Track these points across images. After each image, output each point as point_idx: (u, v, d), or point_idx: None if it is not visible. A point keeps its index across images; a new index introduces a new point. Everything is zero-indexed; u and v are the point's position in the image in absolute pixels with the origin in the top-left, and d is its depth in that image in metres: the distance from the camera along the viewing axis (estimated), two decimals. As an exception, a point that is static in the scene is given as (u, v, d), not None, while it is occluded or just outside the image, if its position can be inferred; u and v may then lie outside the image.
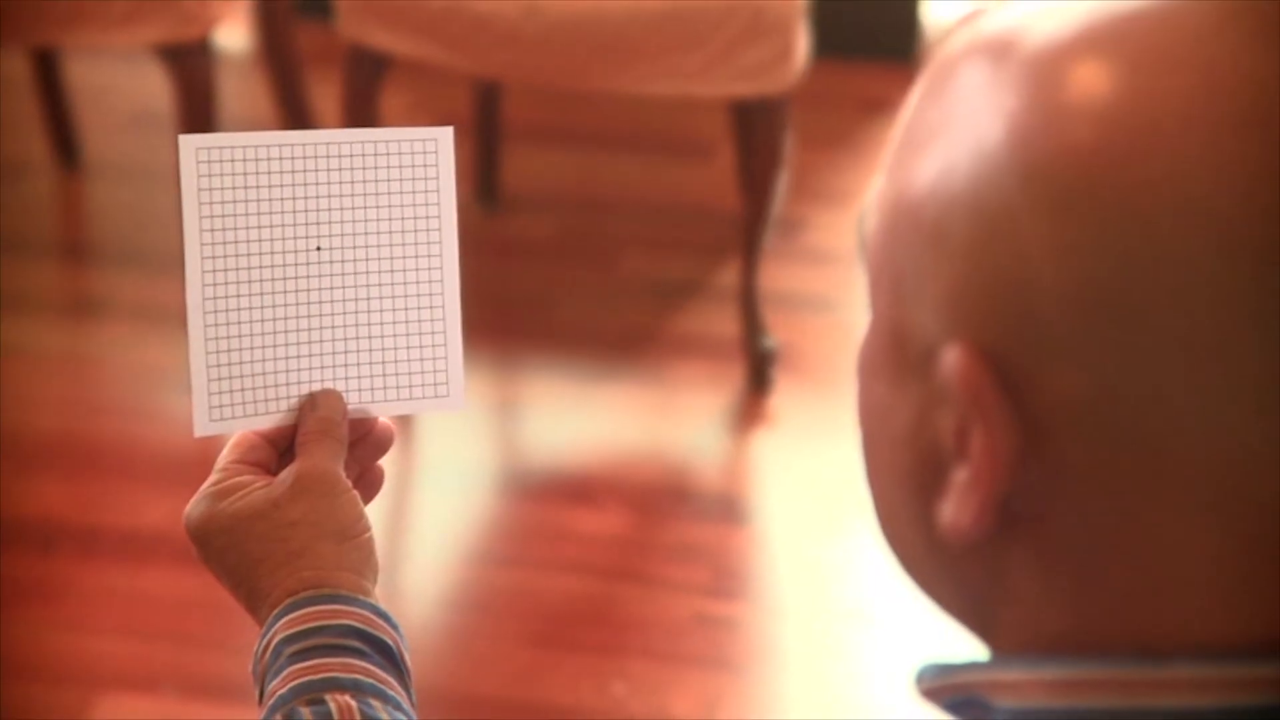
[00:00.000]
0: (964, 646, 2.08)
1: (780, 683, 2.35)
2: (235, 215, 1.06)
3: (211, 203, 1.05)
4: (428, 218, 1.09)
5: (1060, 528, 0.67)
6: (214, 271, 1.06)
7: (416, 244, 1.09)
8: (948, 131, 0.69)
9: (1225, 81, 0.65)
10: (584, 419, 2.82)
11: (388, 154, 1.08)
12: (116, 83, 3.74)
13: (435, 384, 1.10)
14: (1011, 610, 0.70)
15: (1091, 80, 0.66)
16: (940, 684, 0.73)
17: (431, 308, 1.09)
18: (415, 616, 2.47)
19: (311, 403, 1.08)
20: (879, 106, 3.67)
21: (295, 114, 3.29)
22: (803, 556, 2.58)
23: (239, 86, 3.69)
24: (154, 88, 3.66)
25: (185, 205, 1.05)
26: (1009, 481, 0.67)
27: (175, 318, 3.05)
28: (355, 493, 1.06)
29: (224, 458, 1.07)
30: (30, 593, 2.50)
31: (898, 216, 0.71)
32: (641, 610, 2.47)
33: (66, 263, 3.23)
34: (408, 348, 1.09)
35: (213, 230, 1.06)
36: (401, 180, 1.08)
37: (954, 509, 0.68)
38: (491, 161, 3.35)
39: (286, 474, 1.05)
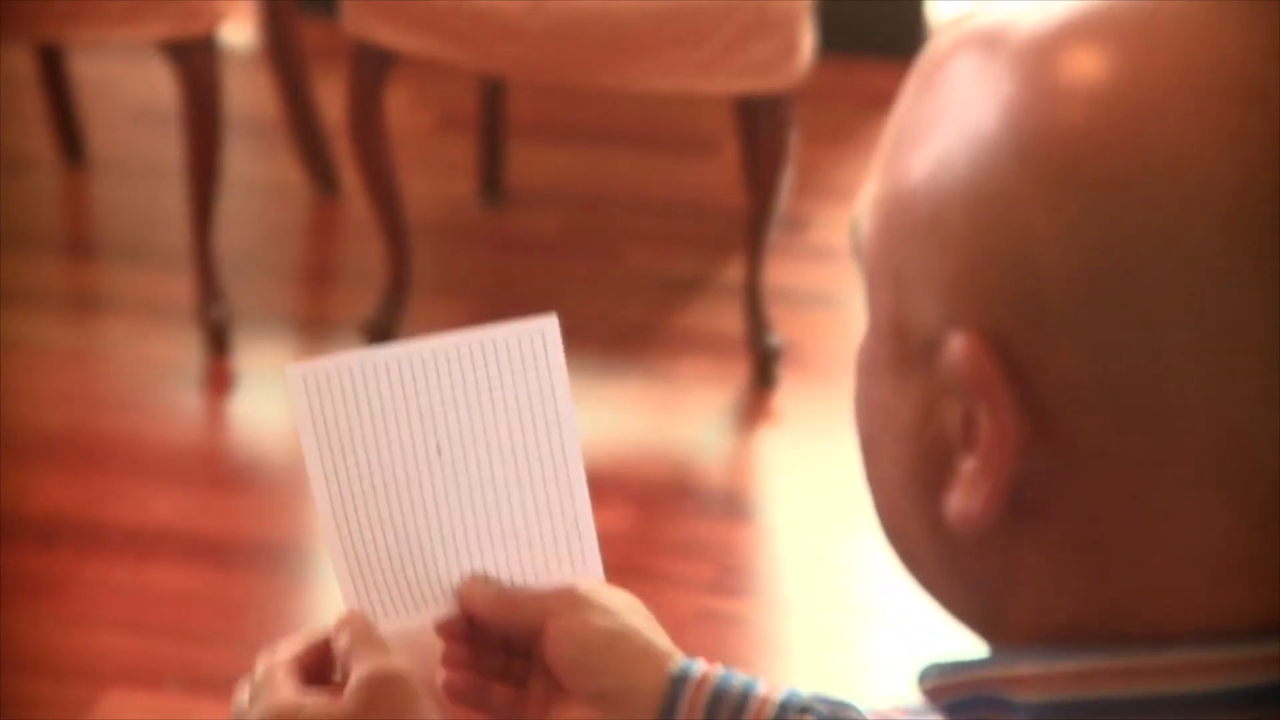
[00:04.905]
0: (968, 642, 2.07)
1: (785, 679, 2.35)
2: (350, 431, 1.06)
3: (326, 423, 1.06)
4: (544, 404, 1.09)
5: (1069, 512, 0.67)
6: (339, 485, 1.07)
7: (536, 430, 1.09)
8: (941, 124, 0.69)
9: (1218, 57, 0.65)
10: (588, 415, 2.82)
11: (495, 352, 1.08)
12: (121, 78, 3.74)
13: (572, 560, 1.12)
14: (1021, 601, 0.70)
15: (1084, 61, 0.66)
16: (950, 682, 0.72)
17: (559, 489, 1.10)
18: (419, 612, 2.47)
19: (338, 625, 1.04)
20: (884, 103, 3.67)
21: (300, 110, 3.29)
22: (808, 552, 2.57)
23: (244, 82, 3.69)
24: (159, 83, 3.66)
25: (301, 430, 1.05)
26: (1018, 467, 0.67)
27: (179, 313, 3.05)
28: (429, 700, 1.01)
29: (277, 663, 1.01)
30: (33, 588, 2.50)
31: (895, 212, 0.71)
32: (646, 606, 2.46)
33: (70, 258, 3.23)
34: (540, 531, 1.10)
35: (331, 449, 1.06)
36: (513, 373, 1.08)
37: (962, 498, 0.68)
38: (496, 157, 3.35)
39: (353, 685, 0.98)
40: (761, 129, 2.76)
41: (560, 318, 1.09)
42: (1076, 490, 0.67)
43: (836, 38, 3.68)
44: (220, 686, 2.35)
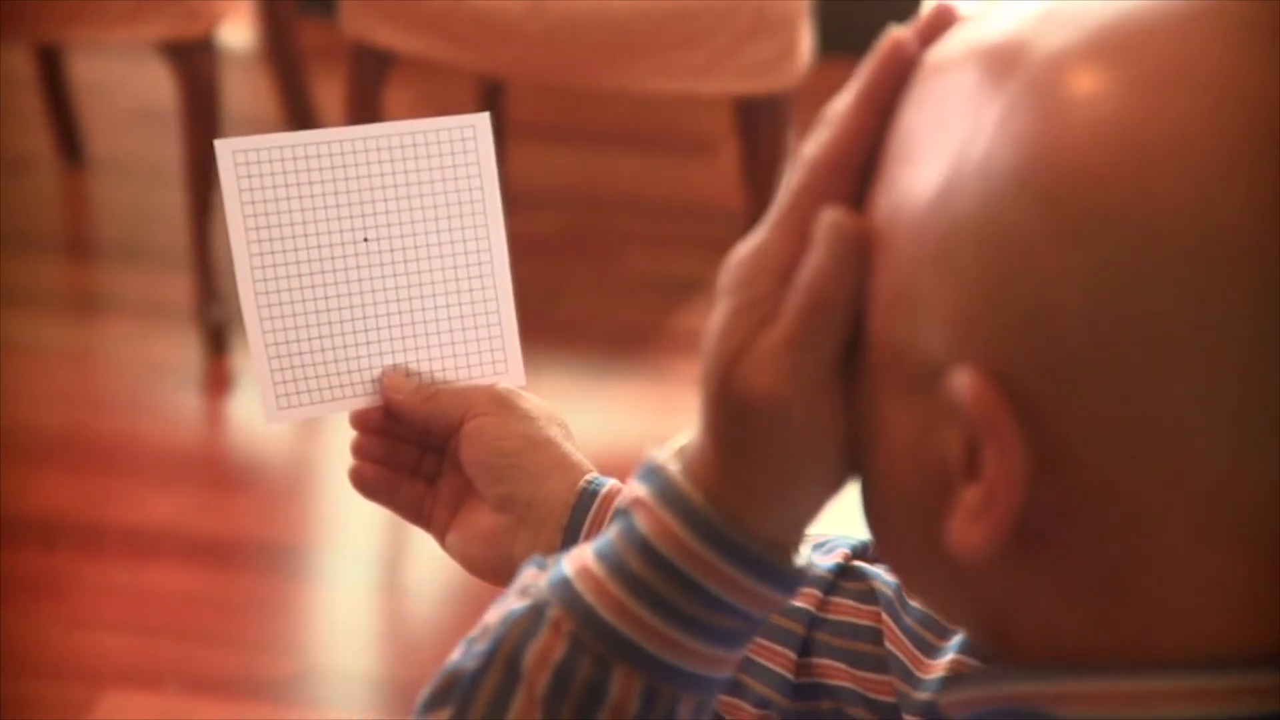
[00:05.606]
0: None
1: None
2: (278, 213, 1.07)
3: (254, 202, 1.07)
4: (472, 202, 1.10)
5: (1076, 544, 0.66)
6: (264, 268, 1.07)
7: (464, 229, 1.10)
8: (949, 146, 0.68)
9: (1245, 102, 0.63)
10: (587, 416, 2.82)
11: (426, 144, 1.09)
12: (120, 79, 3.74)
13: (494, 361, 1.11)
14: (1029, 621, 0.69)
15: (1106, 102, 0.64)
16: (982, 695, 0.71)
17: (484, 289, 1.11)
18: (419, 613, 2.47)
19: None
20: (883, 104, 3.67)
21: (299, 111, 3.29)
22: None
23: (243, 83, 3.69)
24: (158, 84, 3.66)
25: (228, 205, 1.06)
26: (1024, 504, 0.66)
27: (179, 313, 3.05)
28: None
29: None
30: (33, 588, 2.50)
31: (894, 230, 0.69)
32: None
33: (70, 258, 3.23)
34: (464, 329, 1.11)
35: (258, 229, 1.07)
36: (443, 169, 1.10)
37: (964, 528, 0.67)
38: (496, 158, 3.35)
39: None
40: (760, 130, 2.76)
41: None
42: (1085, 524, 0.66)
43: (836, 38, 3.68)
44: (220, 687, 2.35)
